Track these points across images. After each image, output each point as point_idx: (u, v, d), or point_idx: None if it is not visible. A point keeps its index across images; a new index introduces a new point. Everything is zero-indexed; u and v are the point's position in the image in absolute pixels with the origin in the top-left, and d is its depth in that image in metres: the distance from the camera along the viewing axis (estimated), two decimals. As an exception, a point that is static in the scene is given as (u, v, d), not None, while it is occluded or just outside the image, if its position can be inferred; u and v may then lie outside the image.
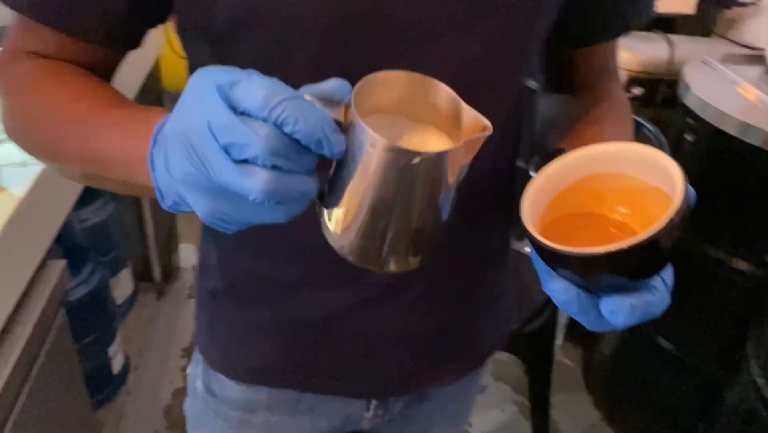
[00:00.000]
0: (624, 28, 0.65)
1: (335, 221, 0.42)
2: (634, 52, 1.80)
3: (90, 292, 1.57)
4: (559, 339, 2.12)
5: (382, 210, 0.40)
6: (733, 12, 2.04)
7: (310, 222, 0.59)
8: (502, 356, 2.02)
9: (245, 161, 0.36)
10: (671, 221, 0.39)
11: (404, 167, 0.38)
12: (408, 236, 0.42)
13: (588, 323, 0.44)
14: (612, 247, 0.39)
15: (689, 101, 1.46)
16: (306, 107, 0.37)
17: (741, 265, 1.41)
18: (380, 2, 0.50)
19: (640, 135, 1.53)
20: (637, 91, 1.78)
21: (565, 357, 2.08)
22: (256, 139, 0.36)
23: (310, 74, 0.43)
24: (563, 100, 0.69)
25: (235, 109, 0.37)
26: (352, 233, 0.42)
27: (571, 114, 0.65)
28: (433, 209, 0.42)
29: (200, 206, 0.39)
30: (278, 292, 0.67)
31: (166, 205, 0.43)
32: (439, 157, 0.39)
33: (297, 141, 0.37)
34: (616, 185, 0.48)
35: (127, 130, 0.47)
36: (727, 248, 1.43)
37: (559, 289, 0.43)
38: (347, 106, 0.39)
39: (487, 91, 0.54)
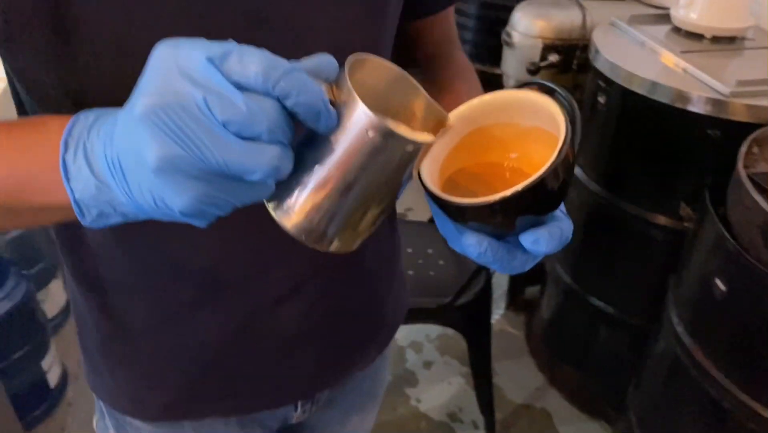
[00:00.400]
0: None
1: (294, 198, 0.41)
2: (547, 20, 1.82)
3: (15, 306, 1.53)
4: (501, 308, 2.16)
5: (353, 189, 0.40)
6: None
7: (199, 243, 0.57)
8: (446, 331, 2.05)
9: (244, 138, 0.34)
10: (558, 158, 0.40)
11: (393, 152, 0.39)
12: (366, 217, 0.43)
13: (503, 268, 0.45)
14: (508, 192, 0.40)
15: (599, 64, 1.49)
16: (306, 80, 0.35)
17: (660, 220, 1.46)
18: None
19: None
20: (553, 58, 1.80)
21: (508, 326, 2.12)
22: (263, 114, 0.34)
23: None
24: (414, 73, 0.71)
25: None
26: (312, 212, 0.41)
27: (425, 84, 0.68)
28: (394, 193, 0.43)
29: (184, 195, 0.35)
30: (180, 319, 0.64)
31: (87, 220, 0.39)
32: (423, 146, 0.40)
33: (291, 114, 0.36)
34: (502, 133, 0.48)
35: (12, 145, 0.42)
36: (645, 204, 1.47)
37: (471, 243, 0.43)
38: (332, 84, 0.39)
39: None
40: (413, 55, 0.70)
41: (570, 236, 0.45)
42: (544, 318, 1.93)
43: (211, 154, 0.33)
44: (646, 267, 1.55)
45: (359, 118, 0.38)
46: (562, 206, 0.47)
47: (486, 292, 1.60)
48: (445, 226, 0.47)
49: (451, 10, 0.69)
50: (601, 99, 1.51)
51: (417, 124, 0.45)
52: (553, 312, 1.87)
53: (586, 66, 1.68)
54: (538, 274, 2.03)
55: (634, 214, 1.49)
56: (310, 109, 0.36)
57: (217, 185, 0.35)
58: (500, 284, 2.18)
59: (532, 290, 2.18)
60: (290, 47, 0.45)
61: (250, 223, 0.53)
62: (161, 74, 0.34)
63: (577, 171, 1.63)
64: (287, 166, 0.37)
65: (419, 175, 0.45)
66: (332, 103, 0.38)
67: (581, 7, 1.85)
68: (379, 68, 0.43)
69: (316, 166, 0.40)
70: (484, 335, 1.64)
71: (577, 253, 1.71)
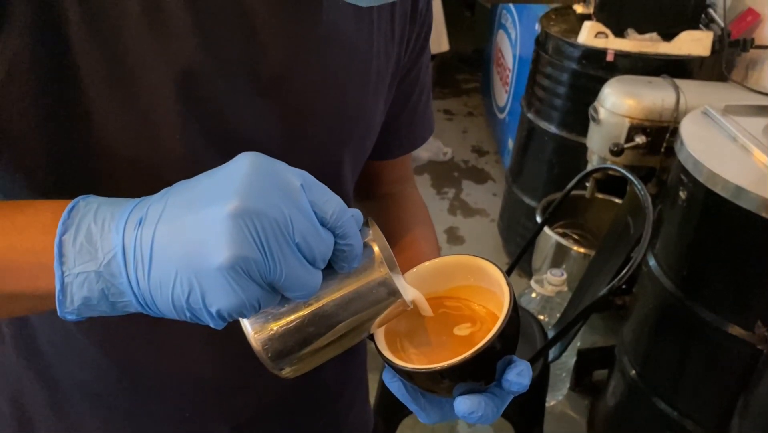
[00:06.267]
0: (420, 141, 0.72)
1: (277, 315, 0.42)
2: (638, 99, 1.75)
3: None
4: (564, 389, 2.06)
5: (338, 325, 0.43)
6: (752, 55, 1.96)
7: (171, 371, 0.57)
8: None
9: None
10: (493, 338, 0.43)
11: (386, 305, 0.43)
12: (330, 352, 0.45)
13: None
14: (435, 366, 0.44)
15: (682, 157, 1.41)
16: (356, 229, 0.41)
17: (735, 330, 1.34)
18: (225, 121, 0.50)
19: (630, 192, 1.48)
20: (640, 139, 1.73)
21: (570, 409, 2.02)
22: (326, 245, 0.39)
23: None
24: (372, 206, 0.74)
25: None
26: (288, 336, 0.42)
27: (384, 221, 0.70)
28: (363, 336, 0.46)
29: (236, 296, 0.36)
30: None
31: (68, 308, 0.37)
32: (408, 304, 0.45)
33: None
34: (463, 290, 0.53)
35: None
36: (721, 312, 1.36)
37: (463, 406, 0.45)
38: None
39: None
40: (371, 190, 0.73)
41: (499, 413, 0.47)
42: (609, 407, 1.82)
43: (281, 266, 0.36)
44: (717, 377, 1.43)
45: (377, 272, 0.42)
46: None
47: (542, 380, 1.53)
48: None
49: (409, 153, 0.73)
50: (682, 194, 1.42)
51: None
52: (617, 404, 1.77)
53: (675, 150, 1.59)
54: (607, 356, 1.92)
55: (707, 321, 1.39)
56: (352, 252, 0.40)
57: (263, 293, 0.37)
58: (566, 364, 2.08)
59: (600, 373, 2.06)
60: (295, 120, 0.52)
61: (215, 347, 0.54)
62: (260, 184, 0.37)
63: (652, 263, 1.54)
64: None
65: (372, 336, 0.48)
66: None
67: (676, 88, 1.77)
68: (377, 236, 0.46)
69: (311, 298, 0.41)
70: (536, 427, 1.57)
71: (645, 348, 1.61)
